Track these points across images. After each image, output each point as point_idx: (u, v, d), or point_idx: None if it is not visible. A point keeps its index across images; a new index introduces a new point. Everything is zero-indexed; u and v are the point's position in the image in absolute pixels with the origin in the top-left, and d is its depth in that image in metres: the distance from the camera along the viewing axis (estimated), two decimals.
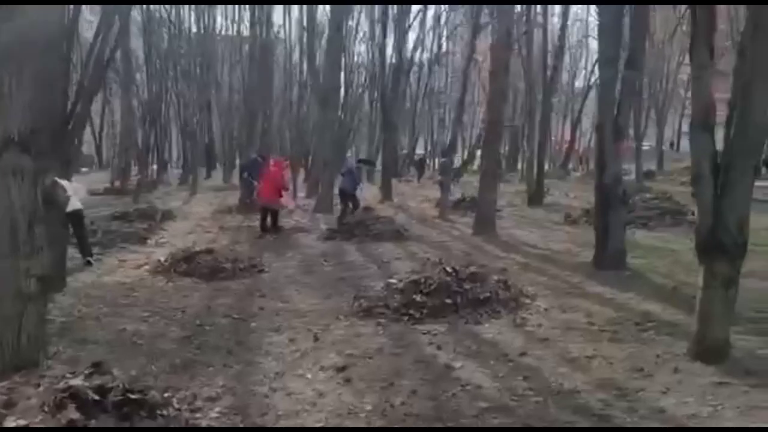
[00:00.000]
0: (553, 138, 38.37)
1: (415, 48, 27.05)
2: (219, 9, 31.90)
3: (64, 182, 7.03)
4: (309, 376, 4.20)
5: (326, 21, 20.13)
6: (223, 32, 33.93)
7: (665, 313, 5.62)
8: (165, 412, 3.24)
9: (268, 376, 4.17)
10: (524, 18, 18.14)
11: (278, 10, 27.05)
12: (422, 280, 6.00)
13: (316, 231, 11.38)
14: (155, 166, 27.83)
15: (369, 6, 26.84)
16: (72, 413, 2.93)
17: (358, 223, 10.94)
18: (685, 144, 29.71)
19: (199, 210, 15.52)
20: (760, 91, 4.12)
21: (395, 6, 21.14)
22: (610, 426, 3.52)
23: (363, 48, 32.30)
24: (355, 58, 34.77)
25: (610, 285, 6.76)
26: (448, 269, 6.18)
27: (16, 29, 3.90)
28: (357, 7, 29.07)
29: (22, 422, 2.86)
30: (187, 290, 6.71)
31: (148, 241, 10.10)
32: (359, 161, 15.46)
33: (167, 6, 25.98)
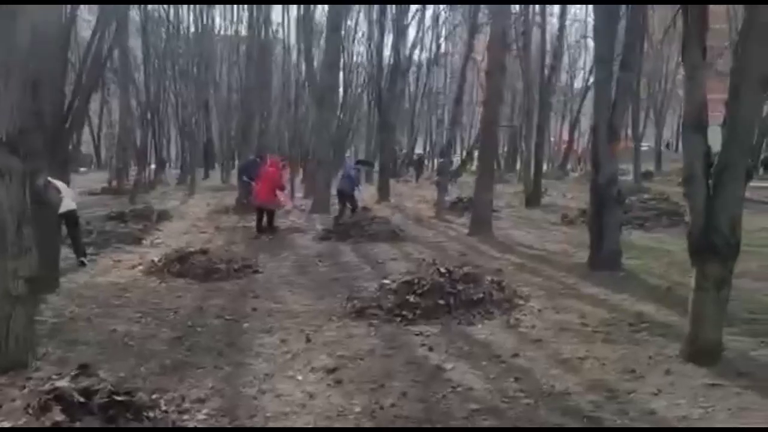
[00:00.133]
0: (551, 138, 38.43)
1: (413, 47, 27.02)
2: (217, 9, 31.95)
3: (57, 183, 7.02)
4: (299, 377, 4.18)
5: (325, 21, 20.10)
6: (221, 32, 33.99)
7: (659, 314, 5.61)
8: (152, 414, 3.23)
9: (257, 377, 4.15)
10: (522, 18, 18.14)
11: (277, 9, 27.02)
12: (415, 280, 5.99)
13: (311, 231, 11.36)
14: (153, 166, 27.79)
15: (368, 6, 26.86)
16: (57, 415, 2.91)
17: (353, 223, 10.93)
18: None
19: (196, 210, 15.50)
20: (750, 91, 4.11)
21: (393, 6, 21.13)
22: (601, 427, 3.51)
23: (362, 48, 32.37)
24: (355, 58, 34.85)
25: (605, 286, 6.75)
26: (442, 270, 6.16)
27: (2, 33, 3.89)
28: (356, 7, 29.09)
29: (5, 424, 2.84)
30: (180, 291, 6.68)
31: (143, 242, 10.08)
32: (358, 162, 15.42)
33: (165, 6, 25.96)
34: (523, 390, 3.99)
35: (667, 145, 37.63)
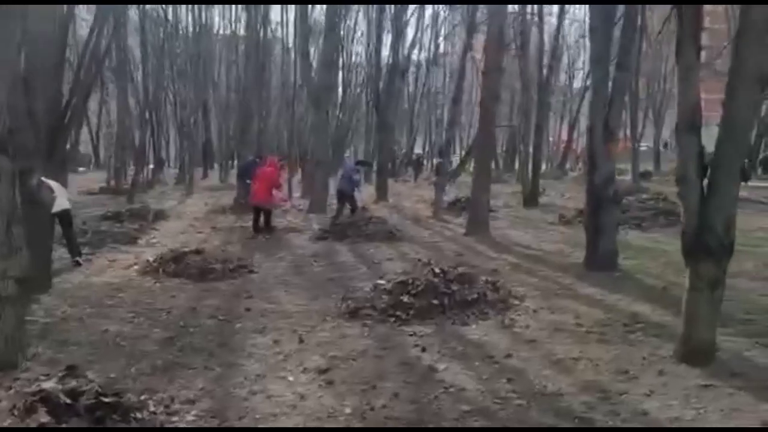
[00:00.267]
0: (550, 138, 38.43)
1: (412, 47, 27.00)
2: (216, 8, 31.95)
3: (50, 182, 6.99)
4: (291, 378, 4.16)
5: (323, 20, 20.07)
6: (220, 31, 33.98)
7: (654, 315, 5.60)
8: (140, 415, 3.20)
9: (248, 378, 4.12)
10: (520, 18, 18.13)
11: (276, 8, 26.98)
12: (410, 281, 5.96)
13: (308, 231, 11.34)
14: (152, 166, 27.77)
15: (367, 6, 26.85)
16: (42, 417, 2.89)
17: (350, 223, 10.90)
18: None
19: (194, 210, 15.47)
20: (746, 91, 4.09)
21: (392, 6, 21.11)
22: (592, 427, 3.49)
23: (361, 48, 32.37)
24: (353, 58, 34.84)
25: (601, 286, 6.73)
26: (436, 270, 6.14)
27: None
28: (355, 7, 29.07)
29: None
30: (175, 291, 6.66)
31: (139, 242, 10.05)
32: (358, 162, 15.37)
33: (163, 5, 25.92)
34: (516, 391, 3.97)
35: (665, 145, 37.65)
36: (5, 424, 2.81)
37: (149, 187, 22.70)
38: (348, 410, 3.67)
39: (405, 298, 5.72)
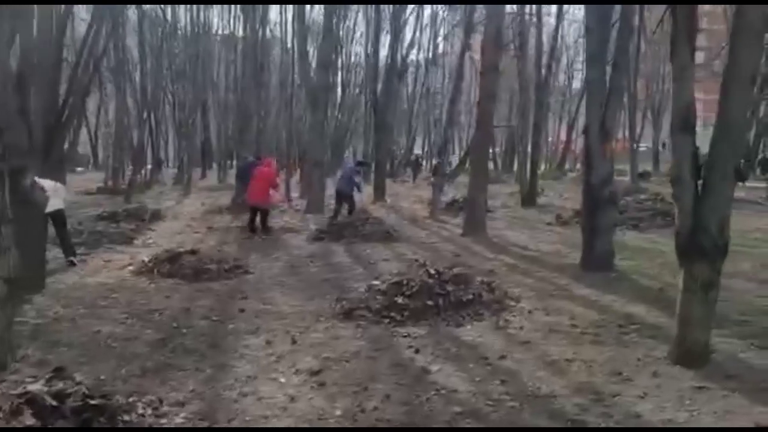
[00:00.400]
0: (549, 139, 38.42)
1: (410, 47, 26.99)
2: (215, 8, 31.92)
3: (44, 182, 6.96)
4: (282, 380, 4.13)
5: (321, 20, 20.05)
6: (219, 31, 33.95)
7: (649, 316, 5.58)
8: (127, 418, 3.17)
9: (239, 380, 4.09)
10: (519, 18, 18.10)
11: (275, 8, 26.95)
12: (405, 282, 5.93)
13: (305, 232, 11.31)
14: (150, 166, 27.73)
15: (366, 6, 26.82)
16: (28, 419, 2.87)
17: (347, 224, 10.88)
18: None
19: (191, 210, 15.45)
20: (740, 90, 4.07)
21: (390, 6, 21.09)
22: (582, 427, 3.47)
23: (360, 48, 32.36)
24: (353, 59, 34.84)
25: (596, 287, 6.71)
26: (431, 271, 6.11)
27: None
28: (354, 8, 29.07)
29: None
30: (169, 291, 6.62)
31: (135, 242, 10.02)
32: (359, 163, 15.34)
33: (162, 5, 25.89)
34: (509, 392, 3.94)
35: (664, 146, 37.67)
36: None
37: (147, 187, 22.67)
38: (339, 412, 3.64)
39: (399, 299, 5.69)
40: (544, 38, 21.48)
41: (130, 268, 7.76)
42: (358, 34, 33.07)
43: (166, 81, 29.00)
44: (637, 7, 16.41)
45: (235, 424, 3.48)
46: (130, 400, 3.40)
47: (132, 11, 24.48)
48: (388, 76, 20.25)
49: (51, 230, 7.71)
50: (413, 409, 3.71)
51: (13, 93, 5.69)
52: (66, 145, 21.63)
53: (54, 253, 7.89)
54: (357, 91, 33.91)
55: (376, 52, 21.81)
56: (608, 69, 7.79)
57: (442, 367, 4.39)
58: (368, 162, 21.19)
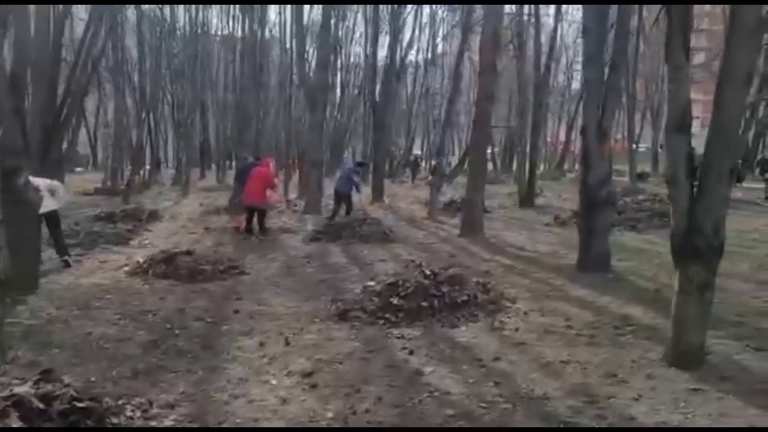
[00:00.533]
0: (548, 139, 38.39)
1: (409, 47, 26.98)
2: (213, 8, 31.90)
3: (38, 181, 6.93)
4: (274, 382, 4.10)
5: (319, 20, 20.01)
6: (218, 31, 33.93)
7: (645, 317, 5.55)
8: (116, 420, 3.14)
9: (231, 382, 4.06)
10: (517, 18, 18.08)
11: (274, 8, 26.96)
12: (400, 282, 5.91)
13: (303, 232, 11.28)
14: (149, 166, 27.70)
15: (365, 6, 26.79)
16: (14, 422, 2.83)
17: (344, 224, 10.85)
18: None
19: (189, 210, 15.41)
20: (735, 90, 4.04)
21: (388, 6, 21.07)
22: (573, 427, 3.44)
23: (359, 49, 32.35)
24: (352, 59, 34.80)
25: (593, 288, 6.68)
26: (427, 272, 6.09)
27: None
28: (354, 8, 29.04)
29: None
30: (163, 292, 6.59)
31: (131, 242, 9.98)
32: (358, 164, 15.31)
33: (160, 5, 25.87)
34: (502, 395, 3.92)
35: (662, 146, 37.70)
36: None
37: (146, 187, 22.65)
38: (330, 414, 3.61)
39: (394, 300, 5.66)
40: (543, 38, 21.46)
41: (126, 268, 7.72)
42: (357, 34, 33.07)
43: (165, 81, 28.99)
44: (635, 7, 16.41)
45: (225, 426, 3.44)
46: (120, 402, 3.37)
47: (131, 11, 24.46)
48: (386, 77, 20.23)
49: (46, 231, 7.70)
50: (405, 412, 3.68)
51: (8, 93, 5.67)
52: (65, 145, 21.65)
53: (49, 254, 7.86)
54: (356, 91, 33.87)
55: (374, 52, 21.78)
56: (606, 70, 7.79)
57: (435, 369, 4.36)
58: (367, 162, 21.19)
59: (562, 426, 3.49)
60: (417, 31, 30.34)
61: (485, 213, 12.03)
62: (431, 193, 14.43)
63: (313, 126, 15.57)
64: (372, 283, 6.18)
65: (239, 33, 28.13)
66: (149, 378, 4.06)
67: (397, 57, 21.00)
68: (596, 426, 3.49)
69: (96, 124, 35.80)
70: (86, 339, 4.86)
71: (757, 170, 18.51)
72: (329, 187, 14.85)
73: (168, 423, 3.37)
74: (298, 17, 16.82)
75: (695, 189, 4.17)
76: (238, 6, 27.36)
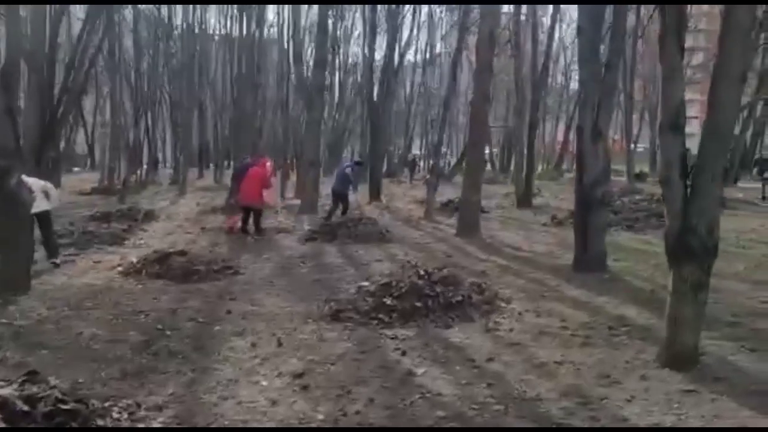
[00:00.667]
0: (547, 139, 38.39)
1: (407, 47, 26.96)
2: (212, 8, 31.85)
3: (31, 181, 6.88)
4: (265, 383, 4.06)
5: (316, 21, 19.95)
6: (216, 31, 33.89)
7: (640, 318, 5.52)
8: (102, 422, 3.10)
9: (221, 383, 4.02)
10: (515, 18, 18.06)
11: (272, 8, 26.91)
12: (394, 283, 5.87)
13: (299, 232, 11.25)
14: (146, 166, 27.66)
15: (363, 7, 26.74)
16: None
17: (340, 224, 10.82)
18: None
19: (185, 210, 15.37)
20: (729, 89, 4.02)
21: (386, 6, 21.02)
22: (564, 427, 3.41)
23: (358, 49, 32.31)
24: (350, 59, 34.77)
25: (588, 288, 6.66)
26: (421, 272, 6.05)
27: None
28: (352, 8, 29.00)
29: None
30: (156, 293, 6.55)
31: (126, 243, 9.93)
32: (357, 163, 15.27)
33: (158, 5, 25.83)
34: (494, 396, 3.88)
35: (658, 147, 37.74)
36: None
37: (143, 187, 22.61)
38: (320, 416, 3.57)
39: (388, 301, 5.63)
40: (541, 38, 21.45)
41: (119, 269, 7.68)
42: (355, 34, 33.03)
43: (163, 81, 28.94)
44: (631, 7, 16.38)
45: (213, 427, 3.41)
46: (106, 404, 3.34)
47: (128, 11, 24.42)
48: (384, 76, 20.19)
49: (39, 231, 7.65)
50: (397, 413, 3.64)
51: None
52: (63, 145, 21.59)
53: (42, 254, 7.81)
54: (354, 91, 33.85)
55: (372, 51, 21.73)
56: (602, 70, 7.75)
57: (428, 370, 4.32)
58: (362, 162, 21.14)
59: (554, 427, 3.46)
60: (415, 31, 30.33)
61: (482, 213, 12.01)
62: (428, 192, 14.40)
63: (311, 125, 15.54)
64: (366, 284, 6.15)
65: (237, 33, 28.07)
66: (138, 379, 4.02)
67: (395, 56, 20.95)
68: (588, 427, 3.46)
69: (94, 124, 35.74)
70: (76, 340, 4.82)
71: (755, 170, 18.50)
72: (328, 187, 14.82)
73: (155, 425, 3.34)
74: (295, 23, 16.79)
75: (689, 189, 4.14)
76: (235, 6, 27.31)
